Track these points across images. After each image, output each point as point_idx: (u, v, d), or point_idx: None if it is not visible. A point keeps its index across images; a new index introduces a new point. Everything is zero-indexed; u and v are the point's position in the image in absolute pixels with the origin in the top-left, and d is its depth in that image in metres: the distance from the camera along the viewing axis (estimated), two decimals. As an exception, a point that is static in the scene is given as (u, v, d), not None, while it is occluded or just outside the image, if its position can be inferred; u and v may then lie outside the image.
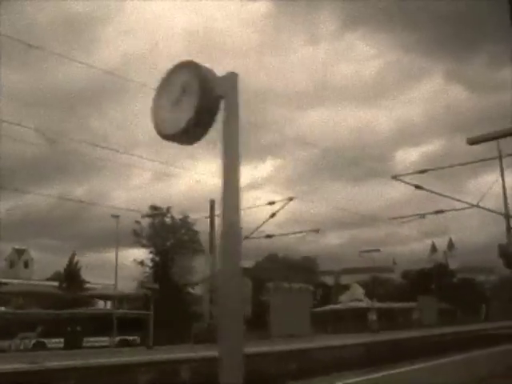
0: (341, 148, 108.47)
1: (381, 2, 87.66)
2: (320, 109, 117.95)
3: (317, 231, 23.83)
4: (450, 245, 73.46)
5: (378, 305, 41.85)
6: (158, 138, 2.83)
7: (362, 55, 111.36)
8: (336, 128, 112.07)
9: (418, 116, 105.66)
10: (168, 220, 46.08)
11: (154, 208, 44.91)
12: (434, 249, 74.37)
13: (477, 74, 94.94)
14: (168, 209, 45.58)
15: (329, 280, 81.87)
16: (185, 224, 46.09)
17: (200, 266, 49.07)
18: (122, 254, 75.92)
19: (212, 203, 26.08)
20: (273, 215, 22.43)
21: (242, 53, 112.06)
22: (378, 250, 36.68)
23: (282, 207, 22.25)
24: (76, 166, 71.34)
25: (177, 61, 2.86)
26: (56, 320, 29.41)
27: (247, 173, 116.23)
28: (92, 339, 29.04)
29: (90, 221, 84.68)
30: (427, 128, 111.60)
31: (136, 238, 44.11)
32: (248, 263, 75.82)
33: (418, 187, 18.23)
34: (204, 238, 40.21)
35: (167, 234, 45.67)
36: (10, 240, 74.18)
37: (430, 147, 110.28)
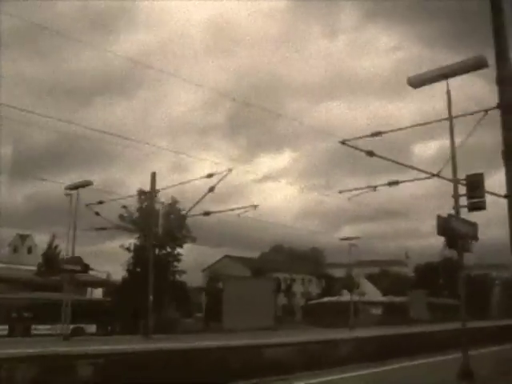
0: (359, 140, 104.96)
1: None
2: (338, 101, 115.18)
3: (255, 207, 20.79)
4: (463, 239, 69.26)
5: (365, 299, 38.69)
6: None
7: (382, 48, 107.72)
8: (354, 120, 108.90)
9: (437, 108, 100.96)
10: (157, 205, 43.76)
11: (141, 192, 42.58)
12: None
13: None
14: (156, 192, 43.14)
15: (338, 272, 78.55)
16: (173, 209, 43.74)
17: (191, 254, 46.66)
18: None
19: (153, 176, 23.27)
20: (211, 189, 19.52)
21: (260, 46, 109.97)
22: (358, 238, 33.81)
23: (221, 179, 19.28)
24: (92, 154, 70.26)
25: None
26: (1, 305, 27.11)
27: (264, 164, 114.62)
28: (41, 327, 26.63)
29: (107, 209, 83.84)
30: (446, 121, 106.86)
31: (122, 222, 42.14)
32: (252, 254, 73.61)
33: (369, 153, 14.97)
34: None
35: (155, 219, 43.37)
36: (27, 227, 73.65)
37: (449, 140, 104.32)
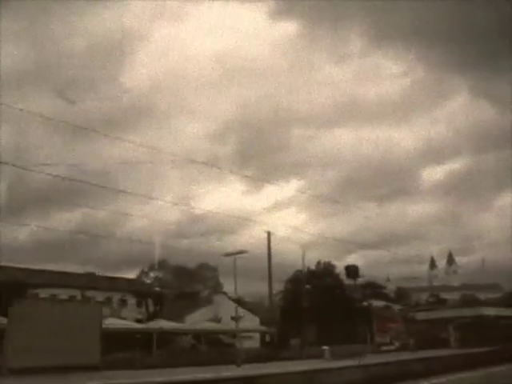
0: (366, 167, 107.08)
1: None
2: (345, 128, 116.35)
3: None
4: (450, 259, 63.73)
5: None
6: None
7: (388, 73, 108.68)
8: (362, 147, 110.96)
9: (444, 133, 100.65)
10: None
11: None
12: (432, 264, 64.69)
13: (503, 90, 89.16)
14: None
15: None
16: None
17: None
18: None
19: None
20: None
21: (267, 75, 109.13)
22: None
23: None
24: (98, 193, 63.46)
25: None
26: None
27: (272, 194, 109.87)
28: None
29: (110, 244, 78.75)
30: (453, 145, 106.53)
31: None
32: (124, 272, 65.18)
33: None
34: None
35: None
36: (31, 262, 65.89)
37: (456, 165, 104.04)
